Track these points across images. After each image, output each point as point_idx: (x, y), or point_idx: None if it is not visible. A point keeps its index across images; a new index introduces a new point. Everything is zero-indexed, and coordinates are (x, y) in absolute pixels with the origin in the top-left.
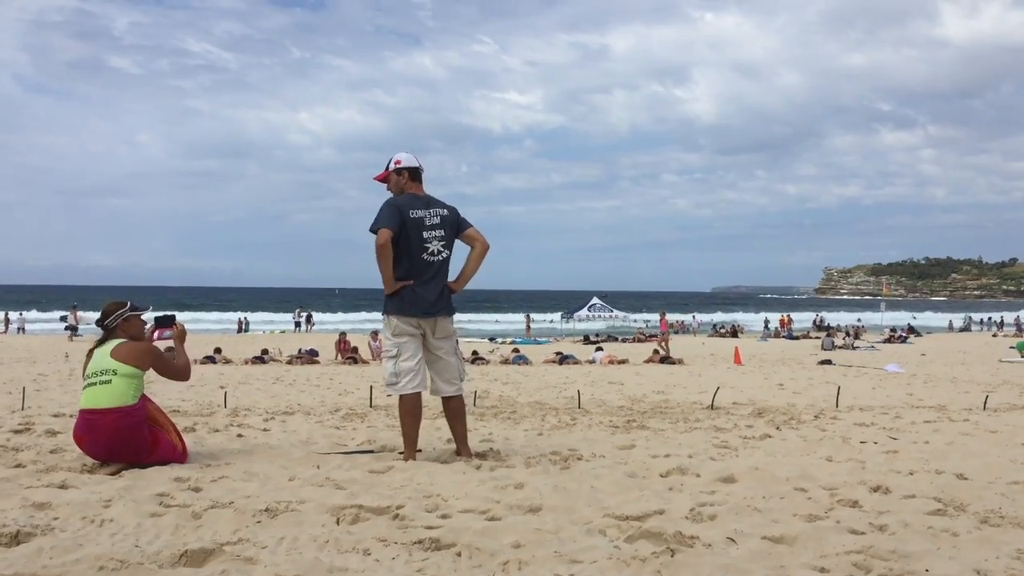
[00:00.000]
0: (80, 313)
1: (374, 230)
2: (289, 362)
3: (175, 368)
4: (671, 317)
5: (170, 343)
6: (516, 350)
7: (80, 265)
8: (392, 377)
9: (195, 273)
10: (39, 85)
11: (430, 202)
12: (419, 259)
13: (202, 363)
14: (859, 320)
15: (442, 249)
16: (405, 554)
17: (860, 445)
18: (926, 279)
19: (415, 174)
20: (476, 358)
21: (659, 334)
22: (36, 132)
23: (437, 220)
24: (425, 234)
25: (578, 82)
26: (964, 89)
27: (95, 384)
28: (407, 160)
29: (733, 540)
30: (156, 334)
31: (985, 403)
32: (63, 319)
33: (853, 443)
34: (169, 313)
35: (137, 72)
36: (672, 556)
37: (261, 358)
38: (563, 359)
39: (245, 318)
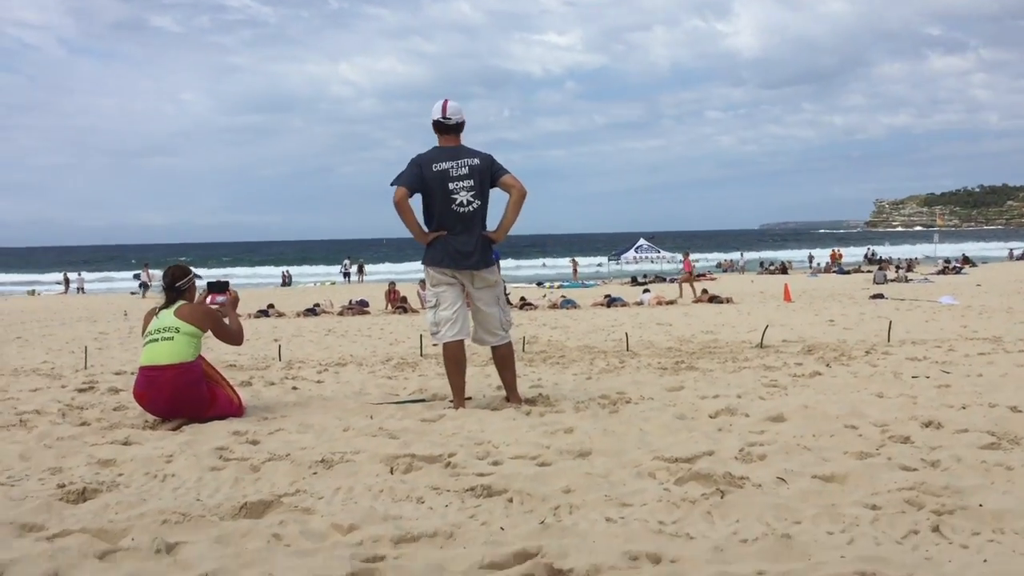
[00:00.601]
0: (152, 271)
1: (393, 186)
2: (340, 314)
3: (230, 332)
4: (718, 256)
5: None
6: (564, 296)
7: (133, 225)
8: (433, 327)
9: (245, 228)
10: (84, 47)
11: (458, 153)
12: (449, 211)
13: (255, 317)
14: (916, 256)
15: (472, 199)
16: (458, 501)
17: (912, 380)
18: (981, 207)
19: (439, 126)
20: (524, 304)
21: (683, 275)
22: (82, 94)
23: (465, 171)
24: (451, 185)
25: (617, 20)
26: (1015, 10)
27: (157, 340)
28: (433, 113)
29: (783, 480)
30: (209, 299)
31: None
32: (136, 277)
33: (905, 378)
34: (223, 279)
35: (178, 30)
36: (722, 497)
37: (313, 311)
38: (611, 302)
39: (288, 272)
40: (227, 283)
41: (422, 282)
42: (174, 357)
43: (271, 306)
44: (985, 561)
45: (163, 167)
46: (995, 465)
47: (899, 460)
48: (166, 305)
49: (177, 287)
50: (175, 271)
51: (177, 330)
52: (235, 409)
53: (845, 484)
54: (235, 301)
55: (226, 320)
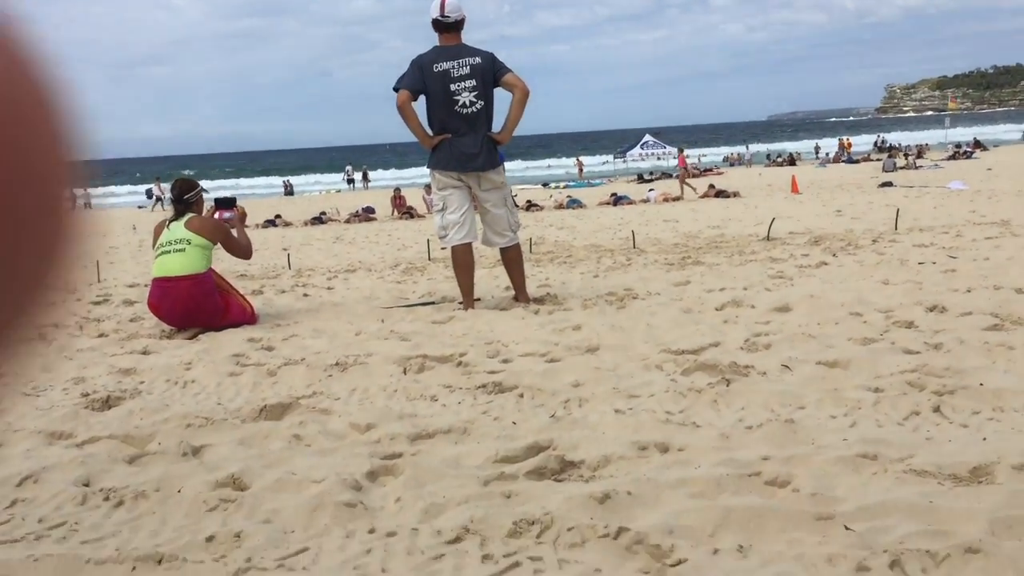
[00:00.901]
0: (163, 185)
1: (396, 90)
2: (347, 221)
3: (240, 246)
4: (725, 150)
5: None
6: (570, 196)
7: (132, 138)
8: (441, 230)
9: (246, 138)
10: None
11: (460, 52)
12: (452, 112)
13: (263, 227)
14: (926, 142)
15: (475, 100)
16: (470, 398)
17: (918, 266)
18: (994, 89)
19: (438, 25)
20: (530, 205)
21: (679, 172)
22: (71, 2)
23: (467, 70)
24: (453, 86)
25: None
26: None
27: (169, 252)
28: (431, 11)
29: (788, 367)
30: (217, 215)
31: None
32: (148, 192)
33: (911, 265)
34: (230, 195)
35: None
36: (727, 386)
37: (319, 219)
38: (617, 200)
39: (289, 181)
40: (234, 199)
41: (427, 187)
42: (187, 268)
43: (278, 216)
44: (984, 439)
45: (159, 77)
46: (997, 345)
47: (902, 344)
48: (175, 218)
49: (185, 199)
50: (183, 184)
51: (189, 242)
52: (248, 317)
53: (848, 369)
54: (243, 216)
55: (235, 234)
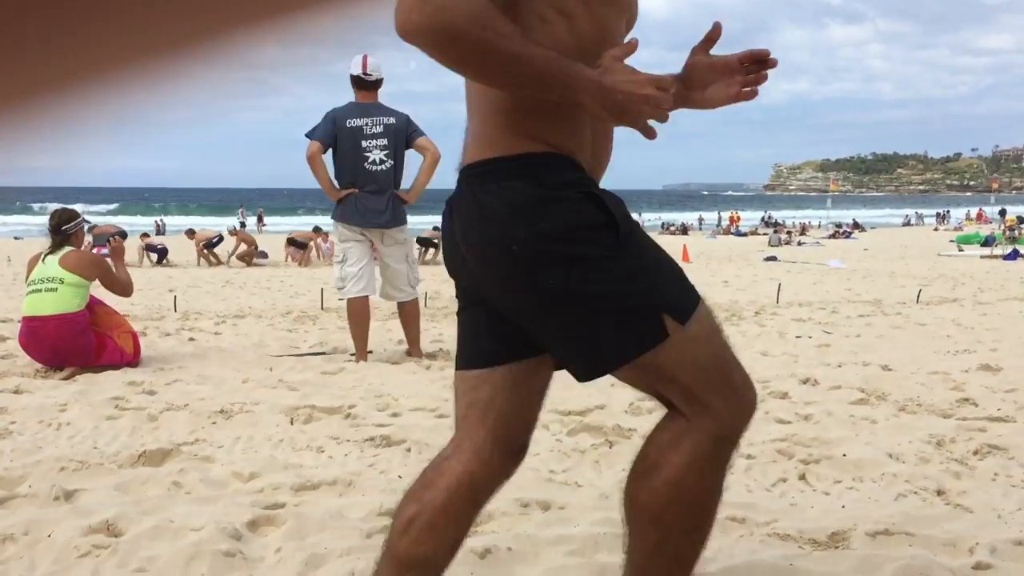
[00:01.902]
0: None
1: (308, 137)
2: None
3: (119, 282)
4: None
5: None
6: None
7: (18, 167)
8: (339, 282)
9: (134, 174)
10: None
11: (375, 110)
12: (361, 168)
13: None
14: (808, 220)
15: (385, 159)
16: (357, 450)
17: (795, 339)
18: (872, 174)
19: (359, 82)
20: (428, 244)
21: None
22: None
23: (380, 129)
24: (364, 143)
25: None
26: None
27: (40, 291)
28: (352, 67)
29: None
30: (96, 250)
31: (918, 297)
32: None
33: (789, 338)
34: (110, 228)
35: None
36: (610, 447)
37: (211, 244)
38: None
39: (162, 220)
40: (111, 234)
41: (325, 234)
42: (57, 308)
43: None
44: (843, 507)
45: None
46: (861, 419)
47: (776, 414)
48: (52, 250)
49: (63, 231)
50: (61, 214)
51: (61, 280)
52: (127, 358)
53: None
54: (120, 251)
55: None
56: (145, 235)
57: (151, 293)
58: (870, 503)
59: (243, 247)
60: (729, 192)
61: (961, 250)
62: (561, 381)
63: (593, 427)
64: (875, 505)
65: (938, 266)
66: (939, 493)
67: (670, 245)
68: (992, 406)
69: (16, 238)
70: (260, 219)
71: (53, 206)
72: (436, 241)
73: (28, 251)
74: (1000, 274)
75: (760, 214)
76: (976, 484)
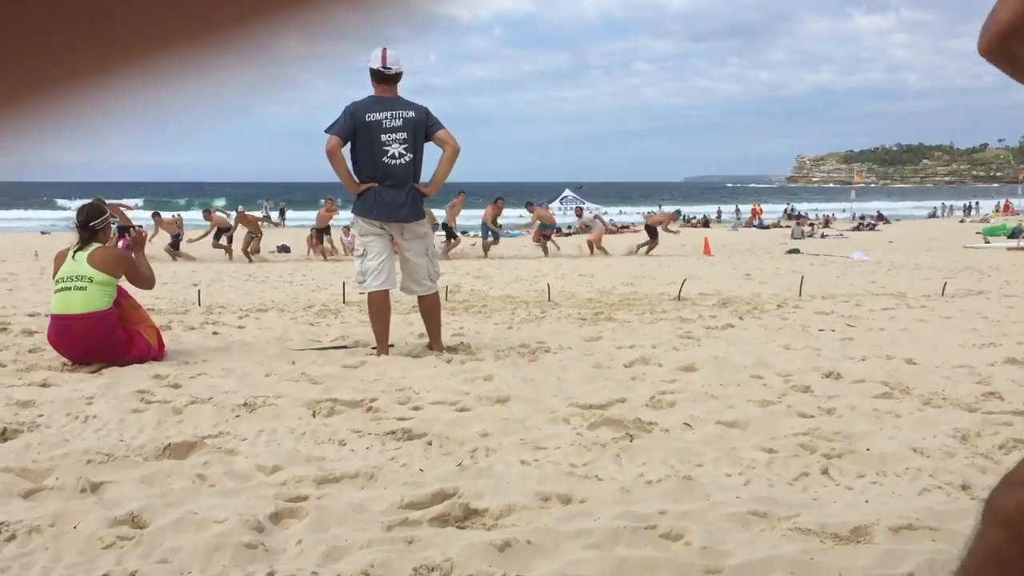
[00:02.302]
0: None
1: (327, 132)
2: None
3: (143, 276)
4: (644, 208)
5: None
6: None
7: (44, 162)
8: (359, 276)
9: (158, 168)
10: None
11: (395, 104)
12: (380, 162)
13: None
14: (832, 212)
15: (404, 152)
16: (378, 444)
17: (818, 333)
18: (897, 165)
19: (378, 76)
20: (451, 234)
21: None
22: None
23: (399, 123)
24: (384, 137)
25: None
26: None
27: (69, 289)
28: (371, 60)
29: (689, 425)
30: (121, 243)
31: (943, 289)
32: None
33: (811, 331)
34: (126, 223)
35: None
36: (631, 441)
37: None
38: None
39: (179, 216)
40: (131, 226)
41: (346, 228)
42: (88, 307)
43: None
44: (866, 501)
45: None
46: (885, 413)
47: (798, 408)
48: (80, 247)
49: (91, 226)
50: (89, 210)
51: (91, 279)
52: (153, 352)
53: (746, 430)
54: (141, 242)
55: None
56: (156, 213)
57: (175, 287)
58: (893, 498)
59: (243, 237)
60: (752, 184)
61: (988, 242)
62: (582, 375)
63: (614, 421)
64: (898, 500)
65: (964, 258)
66: (964, 488)
67: (691, 238)
68: (1019, 400)
69: (43, 232)
70: (283, 213)
71: (80, 202)
72: (457, 232)
73: (55, 246)
74: None
75: (783, 206)
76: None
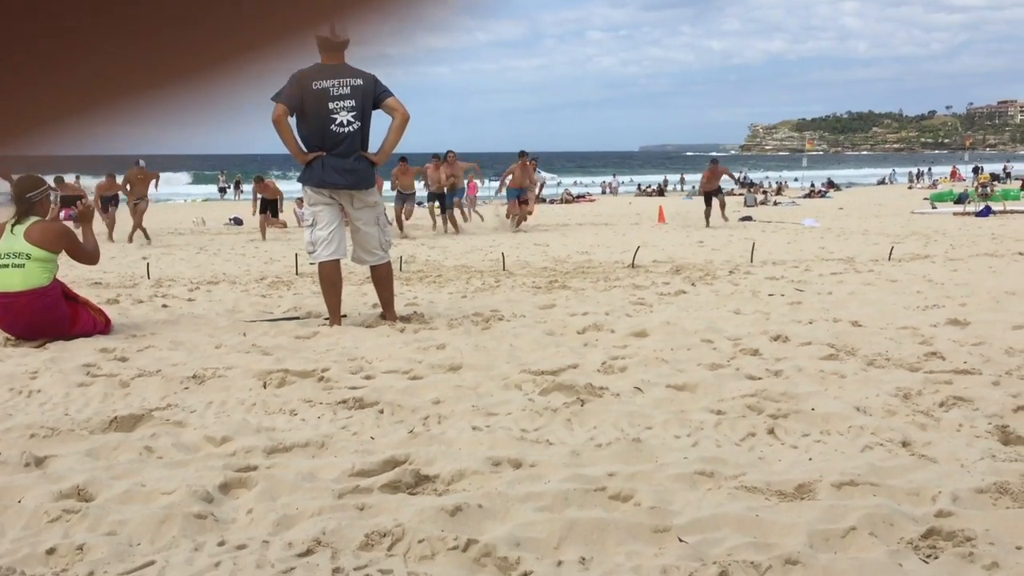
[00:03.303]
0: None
1: (274, 100)
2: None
3: (86, 253)
4: (597, 179)
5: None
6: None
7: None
8: (309, 246)
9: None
10: None
11: (341, 71)
12: (328, 131)
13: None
14: (784, 180)
15: (352, 120)
16: (330, 413)
17: (768, 298)
18: (848, 133)
19: (324, 43)
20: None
21: (465, 199)
22: None
23: (347, 91)
24: (331, 104)
25: None
26: None
27: (7, 267)
28: (318, 27)
29: (640, 389)
30: (62, 214)
31: (890, 254)
32: (222, 189)
33: (761, 296)
34: (74, 194)
35: None
36: (582, 406)
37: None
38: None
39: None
40: (77, 197)
41: (299, 200)
42: (27, 284)
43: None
44: (810, 459)
45: None
46: (831, 374)
47: (746, 370)
48: (17, 220)
49: (27, 199)
50: (24, 182)
51: (28, 256)
52: (100, 327)
53: (695, 392)
54: (88, 214)
55: (81, 237)
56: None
57: (124, 260)
58: (836, 455)
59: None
60: (714, 153)
61: (935, 207)
62: (535, 342)
63: (566, 386)
64: (841, 457)
65: (911, 224)
66: (904, 444)
67: (646, 207)
68: (959, 359)
69: None
70: (238, 186)
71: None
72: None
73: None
74: (972, 230)
75: (737, 174)
76: (941, 435)
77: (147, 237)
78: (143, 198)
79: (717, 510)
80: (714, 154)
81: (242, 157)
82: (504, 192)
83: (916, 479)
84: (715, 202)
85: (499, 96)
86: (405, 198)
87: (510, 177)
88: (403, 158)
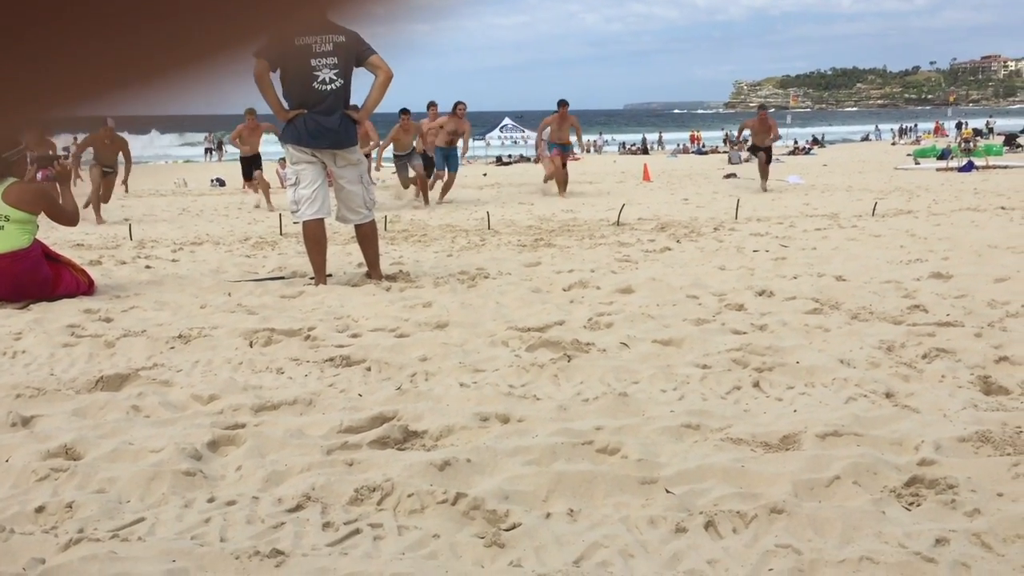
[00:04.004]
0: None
1: (255, 56)
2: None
3: (65, 213)
4: (585, 138)
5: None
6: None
7: None
8: (293, 205)
9: None
10: None
11: (324, 28)
12: (310, 88)
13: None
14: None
15: (335, 78)
16: (317, 371)
17: (752, 254)
18: (832, 90)
19: None
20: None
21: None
22: None
23: (329, 47)
24: (314, 61)
25: None
26: None
27: None
28: None
29: (626, 344)
30: (40, 175)
31: (874, 209)
32: (207, 151)
33: (746, 252)
34: (49, 153)
35: None
36: (568, 361)
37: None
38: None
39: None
40: (54, 156)
41: (282, 160)
42: (6, 246)
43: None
44: (795, 411)
45: None
46: (815, 328)
47: (731, 325)
48: None
49: (4, 159)
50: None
51: (7, 218)
52: (83, 288)
53: (681, 347)
54: (65, 175)
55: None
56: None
57: (105, 222)
58: (821, 407)
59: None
60: (701, 111)
61: (918, 163)
62: (521, 299)
63: (552, 342)
64: (825, 409)
65: (895, 180)
66: (888, 396)
67: (631, 165)
68: (942, 312)
69: None
70: (220, 147)
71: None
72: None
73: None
74: (955, 186)
75: (721, 133)
76: (924, 386)
77: (99, 217)
78: (112, 168)
79: (703, 461)
80: (761, 103)
81: (220, 118)
82: (545, 148)
83: (899, 429)
84: (759, 160)
85: (481, 54)
86: (408, 159)
87: (548, 131)
88: (405, 111)
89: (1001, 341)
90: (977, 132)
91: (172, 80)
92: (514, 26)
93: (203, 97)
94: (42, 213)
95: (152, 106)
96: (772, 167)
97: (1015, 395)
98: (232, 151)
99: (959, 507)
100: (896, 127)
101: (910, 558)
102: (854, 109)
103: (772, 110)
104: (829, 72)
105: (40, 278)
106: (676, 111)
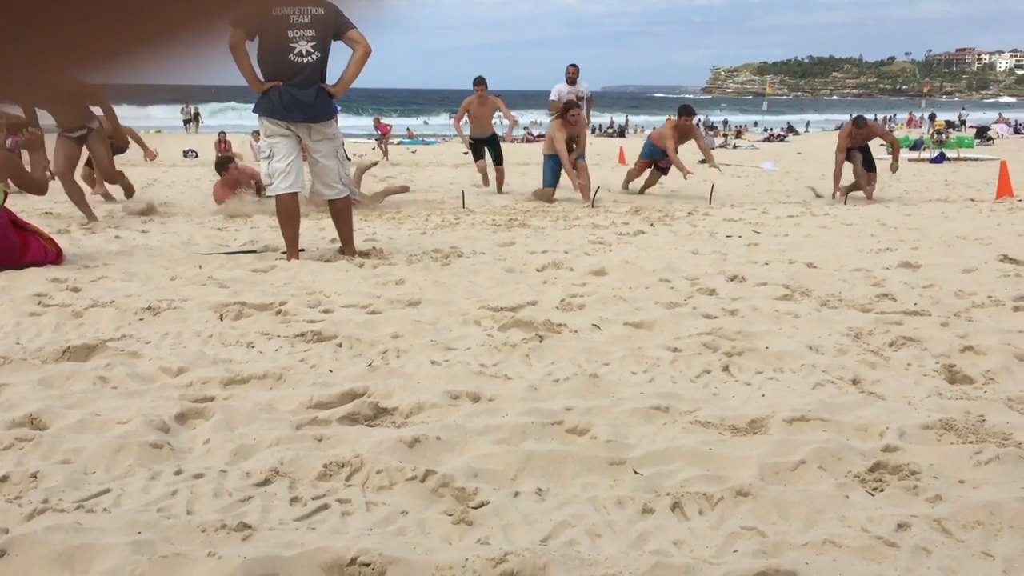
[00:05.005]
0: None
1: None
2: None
3: (33, 182)
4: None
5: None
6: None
7: None
8: (266, 178)
9: None
10: None
11: (302, 0)
12: (286, 60)
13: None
14: (744, 125)
15: (312, 51)
16: (288, 346)
17: (725, 239)
18: (808, 78)
19: None
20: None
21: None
22: None
23: (307, 19)
24: (290, 33)
25: None
26: None
27: None
28: None
29: (597, 326)
30: (10, 142)
31: (846, 198)
32: (185, 123)
33: (719, 237)
34: (19, 121)
35: None
36: (540, 342)
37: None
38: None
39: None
40: (24, 124)
41: (255, 133)
42: None
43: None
44: (763, 396)
45: None
46: (785, 313)
47: (703, 309)
48: None
49: None
50: None
51: None
52: (51, 257)
53: (652, 330)
54: (37, 141)
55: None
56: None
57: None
58: (789, 392)
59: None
60: (681, 95)
61: (890, 153)
62: (494, 278)
63: (524, 323)
64: (793, 394)
65: None
66: (854, 382)
67: (607, 147)
68: (910, 301)
69: None
70: (196, 118)
71: None
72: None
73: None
74: (926, 176)
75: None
76: (890, 373)
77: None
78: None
79: (671, 443)
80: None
81: (193, 89)
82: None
83: (865, 415)
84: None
85: (460, 32)
86: (487, 145)
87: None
88: (480, 80)
89: (967, 331)
90: (949, 124)
91: (150, 50)
92: (493, 3)
93: (181, 67)
94: (8, 181)
95: (132, 76)
96: (747, 153)
97: (979, 384)
98: (210, 123)
99: (921, 493)
100: (872, 117)
101: (872, 542)
102: (834, 98)
103: (749, 97)
104: (806, 60)
105: (7, 246)
106: (657, 95)
